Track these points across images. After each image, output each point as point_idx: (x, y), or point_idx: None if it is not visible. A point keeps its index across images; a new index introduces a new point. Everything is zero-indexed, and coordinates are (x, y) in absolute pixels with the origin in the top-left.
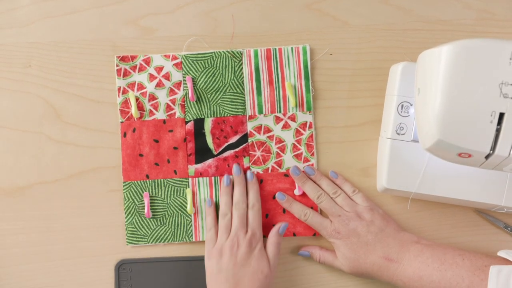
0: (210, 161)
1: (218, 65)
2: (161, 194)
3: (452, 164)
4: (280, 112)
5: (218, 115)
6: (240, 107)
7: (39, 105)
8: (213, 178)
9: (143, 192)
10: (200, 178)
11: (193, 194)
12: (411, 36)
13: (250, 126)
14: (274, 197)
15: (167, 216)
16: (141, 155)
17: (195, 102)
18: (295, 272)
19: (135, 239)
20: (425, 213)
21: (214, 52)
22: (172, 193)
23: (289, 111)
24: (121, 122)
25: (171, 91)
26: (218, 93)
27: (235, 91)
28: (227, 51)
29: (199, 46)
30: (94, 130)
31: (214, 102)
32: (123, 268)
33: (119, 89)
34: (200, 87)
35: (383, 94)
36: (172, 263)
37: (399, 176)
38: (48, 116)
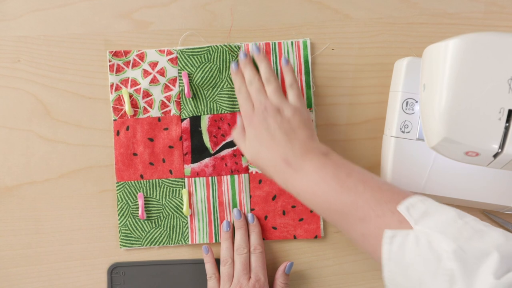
0: (207, 160)
1: (215, 59)
2: (156, 195)
3: (459, 163)
4: None
5: (215, 112)
6: (238, 103)
7: (28, 102)
8: (210, 178)
9: (137, 193)
10: (197, 178)
11: (190, 194)
12: (416, 30)
13: None
14: (273, 199)
15: (162, 218)
16: (135, 154)
17: (191, 99)
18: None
19: (128, 242)
20: None
21: (210, 46)
22: (167, 193)
23: None
24: (114, 120)
25: (166, 88)
26: (215, 89)
27: (232, 86)
28: (225, 45)
29: (195, 40)
30: (85, 127)
31: (211, 99)
32: (116, 272)
33: (111, 85)
34: (197, 83)
35: (387, 91)
36: (167, 266)
37: (403, 176)
38: (37, 113)
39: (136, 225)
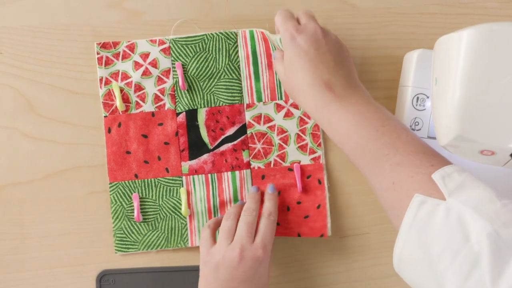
0: (205, 156)
1: (210, 48)
2: (152, 195)
3: (474, 163)
4: (281, 99)
5: (213, 105)
6: (237, 95)
7: (11, 97)
8: (209, 175)
9: (132, 194)
10: (195, 176)
11: (188, 194)
12: (427, 21)
13: (248, 115)
14: (278, 194)
15: (159, 219)
16: (128, 152)
17: (186, 91)
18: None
19: (124, 246)
20: None
21: (205, 34)
22: (164, 193)
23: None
24: (105, 116)
25: (159, 80)
26: (212, 80)
27: (230, 77)
28: (220, 33)
29: (189, 30)
30: (73, 125)
31: (208, 91)
32: (105, 280)
33: (101, 79)
34: (192, 74)
35: (396, 86)
36: (162, 273)
37: None
38: (21, 109)
39: (131, 228)
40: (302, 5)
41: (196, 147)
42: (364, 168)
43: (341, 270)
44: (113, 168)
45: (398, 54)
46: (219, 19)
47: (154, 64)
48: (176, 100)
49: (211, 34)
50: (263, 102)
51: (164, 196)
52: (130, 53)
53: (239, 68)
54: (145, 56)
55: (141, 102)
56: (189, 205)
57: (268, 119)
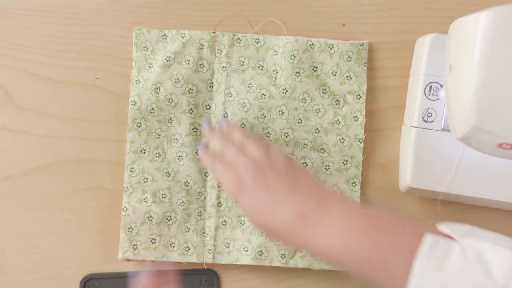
0: None
1: None
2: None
3: (492, 157)
4: None
5: None
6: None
7: None
8: None
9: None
10: None
11: None
12: (441, 2)
13: None
14: None
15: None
16: None
17: None
18: None
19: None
20: (459, 218)
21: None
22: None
23: None
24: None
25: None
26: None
27: None
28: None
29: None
30: (54, 116)
31: None
32: (90, 285)
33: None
34: None
35: (407, 74)
36: None
37: (426, 172)
38: None
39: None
40: None
41: None
42: (371, 276)
43: None
44: None
45: (409, 39)
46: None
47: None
48: None
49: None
50: None
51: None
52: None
53: None
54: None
55: None
56: None
57: None
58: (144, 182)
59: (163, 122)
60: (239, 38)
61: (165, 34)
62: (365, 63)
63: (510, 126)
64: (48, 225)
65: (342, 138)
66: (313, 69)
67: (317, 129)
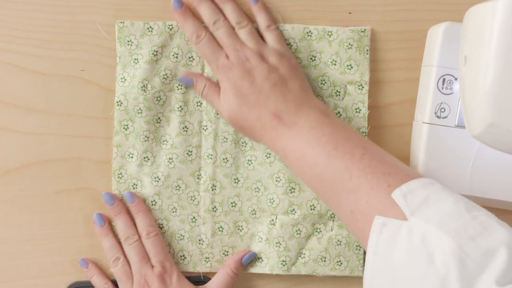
0: None
1: None
2: None
3: (509, 156)
4: None
5: None
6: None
7: None
8: None
9: None
10: None
11: None
12: None
13: None
14: None
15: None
16: None
17: None
18: None
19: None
20: None
21: None
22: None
23: None
24: None
25: None
26: None
27: None
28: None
29: None
30: (39, 111)
31: None
32: None
33: None
34: None
35: (418, 66)
36: None
37: (439, 172)
38: None
39: None
40: None
41: None
42: (324, 198)
43: None
44: None
45: (421, 28)
46: None
47: None
48: None
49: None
50: None
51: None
52: None
53: None
54: None
55: None
56: None
57: None
58: (133, 188)
59: (151, 123)
60: None
61: (150, 27)
62: (367, 50)
63: None
64: (32, 229)
65: None
66: (311, 59)
67: None
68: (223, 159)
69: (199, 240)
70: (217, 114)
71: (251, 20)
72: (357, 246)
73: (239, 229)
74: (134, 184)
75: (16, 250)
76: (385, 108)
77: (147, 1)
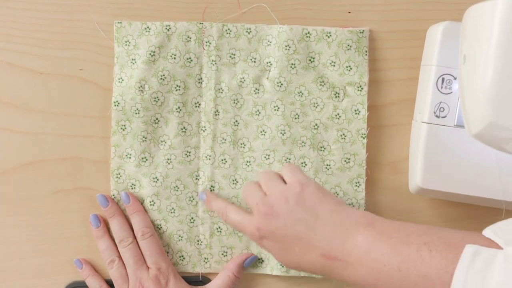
0: None
1: None
2: None
3: (509, 156)
4: None
5: None
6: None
7: None
8: None
9: None
10: None
11: None
12: None
13: None
14: None
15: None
16: None
17: None
18: None
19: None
20: (477, 221)
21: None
22: None
23: None
24: None
25: None
26: None
27: None
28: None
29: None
30: (37, 111)
31: None
32: None
33: None
34: None
35: (417, 65)
36: None
37: (438, 172)
38: None
39: None
40: None
41: None
42: None
43: None
44: None
45: (420, 28)
46: None
47: None
48: None
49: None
50: None
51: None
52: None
53: None
54: None
55: None
56: None
57: None
58: (131, 189)
59: (149, 123)
60: (229, 29)
61: (148, 27)
62: (366, 51)
63: None
64: (30, 229)
65: (344, 134)
66: (309, 60)
67: (316, 124)
68: (222, 160)
69: (198, 241)
70: (216, 115)
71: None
72: None
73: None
74: (133, 184)
75: (14, 251)
76: (384, 107)
77: (145, 0)
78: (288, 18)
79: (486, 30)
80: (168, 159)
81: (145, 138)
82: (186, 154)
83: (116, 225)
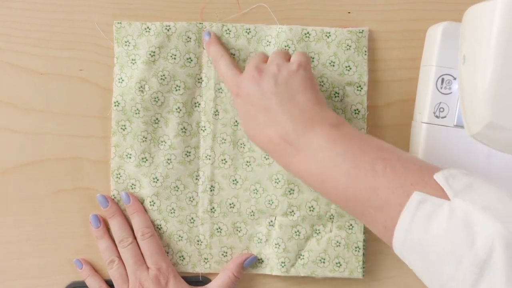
0: None
1: None
2: None
3: (508, 156)
4: None
5: None
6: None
7: None
8: None
9: None
10: None
11: None
12: None
13: None
14: None
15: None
16: None
17: None
18: None
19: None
20: None
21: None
22: None
23: None
24: None
25: None
26: None
27: None
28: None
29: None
30: (37, 111)
31: None
32: None
33: None
34: None
35: (417, 65)
36: None
37: None
38: None
39: None
40: None
41: None
42: (353, 215)
43: None
44: None
45: (420, 28)
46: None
47: None
48: None
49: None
50: None
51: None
52: None
53: None
54: None
55: None
56: None
57: None
58: (132, 189)
59: (149, 123)
60: (228, 29)
61: (148, 27)
62: (365, 51)
63: None
64: (30, 229)
65: None
66: None
67: None
68: (222, 160)
69: (198, 241)
70: (215, 115)
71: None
72: (356, 248)
73: (237, 230)
74: (133, 184)
75: (14, 250)
76: (384, 107)
77: (145, 0)
78: (287, 18)
79: (485, 30)
80: (168, 159)
81: (145, 138)
82: (186, 154)
83: (116, 226)
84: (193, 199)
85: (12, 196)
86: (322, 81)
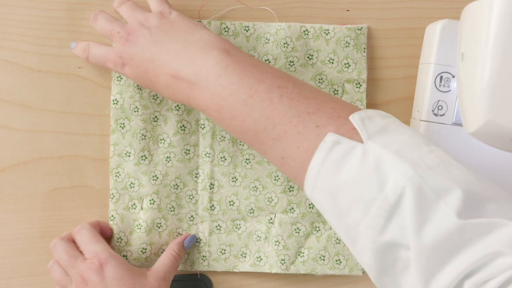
0: None
1: None
2: None
3: (504, 153)
4: None
5: None
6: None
7: None
8: None
9: None
10: None
11: None
12: None
13: None
14: None
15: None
16: None
17: None
18: None
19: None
20: None
21: None
22: None
23: None
24: None
25: None
26: None
27: None
28: None
29: None
30: (34, 108)
31: None
32: None
33: None
34: None
35: (416, 63)
36: None
37: None
38: None
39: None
40: None
41: None
42: (252, 147)
43: None
44: None
45: (418, 26)
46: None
47: None
48: None
49: None
50: None
51: None
52: None
53: None
54: None
55: None
56: None
57: None
58: (131, 187)
59: (148, 121)
60: (227, 27)
61: None
62: (364, 48)
63: None
64: (27, 227)
65: None
66: (308, 57)
67: None
68: (221, 157)
69: (197, 239)
70: None
71: None
72: None
73: (236, 227)
74: (132, 183)
75: (11, 248)
76: (382, 105)
77: None
78: (286, 16)
79: (484, 28)
80: (167, 157)
81: (144, 136)
82: (185, 152)
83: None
84: (193, 197)
85: (10, 193)
86: (321, 78)
